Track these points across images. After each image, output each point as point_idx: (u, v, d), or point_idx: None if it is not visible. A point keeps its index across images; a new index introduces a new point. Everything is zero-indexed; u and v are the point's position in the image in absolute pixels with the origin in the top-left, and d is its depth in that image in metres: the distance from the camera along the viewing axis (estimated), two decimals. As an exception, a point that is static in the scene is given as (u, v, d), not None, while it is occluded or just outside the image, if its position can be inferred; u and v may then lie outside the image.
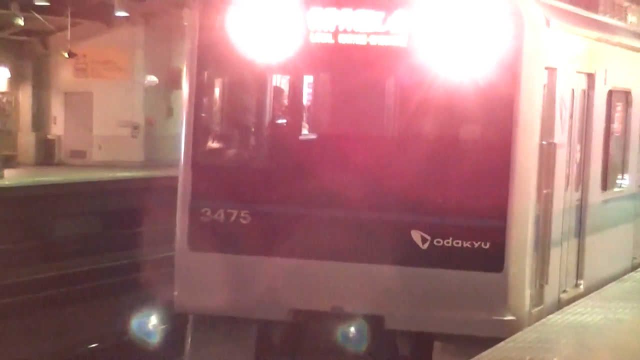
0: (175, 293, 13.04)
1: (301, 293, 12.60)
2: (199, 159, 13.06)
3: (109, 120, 44.58)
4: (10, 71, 44.48)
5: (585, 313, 13.18)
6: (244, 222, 12.78)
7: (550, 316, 12.89)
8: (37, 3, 36.59)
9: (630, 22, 18.16)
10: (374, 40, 12.52)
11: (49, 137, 45.38)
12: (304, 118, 13.68)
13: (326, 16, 12.60)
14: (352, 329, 12.53)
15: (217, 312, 12.85)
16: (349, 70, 12.89)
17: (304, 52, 12.67)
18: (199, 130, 13.12)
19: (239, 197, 12.84)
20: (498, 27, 12.15)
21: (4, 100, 44.85)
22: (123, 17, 41.28)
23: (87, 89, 44.92)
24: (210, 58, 13.04)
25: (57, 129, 45.62)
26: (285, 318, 12.64)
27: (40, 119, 45.49)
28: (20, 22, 39.62)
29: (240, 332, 12.87)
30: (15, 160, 42.01)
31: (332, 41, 12.61)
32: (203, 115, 13.21)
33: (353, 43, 12.56)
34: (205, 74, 13.17)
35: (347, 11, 12.55)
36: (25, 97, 45.45)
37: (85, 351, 18.25)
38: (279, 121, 13.64)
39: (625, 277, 16.17)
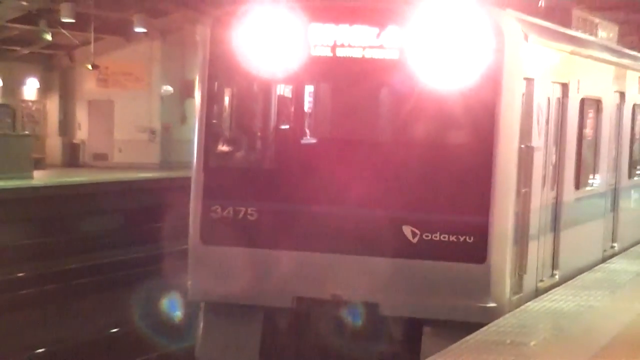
0: (189, 282, 13.04)
1: (304, 282, 12.61)
2: (210, 162, 13.06)
3: (129, 125, 44.63)
4: (39, 82, 44.71)
5: (560, 300, 13.12)
6: (251, 218, 12.79)
7: (529, 303, 12.89)
8: (63, 20, 36.45)
9: (601, 37, 18.16)
10: (368, 54, 12.53)
11: (74, 141, 45.48)
12: (306, 124, 13.69)
13: (325, 31, 12.61)
14: (350, 315, 12.57)
15: (227, 299, 12.85)
16: (346, 81, 12.93)
17: (305, 64, 12.67)
18: (210, 136, 13.11)
19: (247, 196, 12.84)
20: (481, 42, 12.16)
21: (34, 108, 44.95)
22: (141, 32, 41.25)
23: (108, 97, 44.93)
24: (220, 69, 13.04)
25: (81, 134, 45.68)
26: (289, 305, 12.64)
27: (66, 124, 45.53)
28: (48, 37, 39.70)
29: (248, 317, 12.86)
30: (44, 163, 41.93)
31: (331, 54, 12.62)
32: (214, 121, 13.20)
33: (350, 56, 12.57)
34: (216, 84, 13.17)
35: (344, 27, 12.56)
36: (52, 105, 45.53)
37: (108, 334, 18.25)
38: (283, 127, 13.66)
39: (597, 267, 16.14)
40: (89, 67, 41.74)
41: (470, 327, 11.51)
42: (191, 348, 13.44)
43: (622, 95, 17.97)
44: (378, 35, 12.49)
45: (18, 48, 42.29)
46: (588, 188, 16.29)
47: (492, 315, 12.09)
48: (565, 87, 14.64)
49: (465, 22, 12.15)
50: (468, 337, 10.95)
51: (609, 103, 17.09)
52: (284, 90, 13.63)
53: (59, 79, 45.44)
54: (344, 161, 12.73)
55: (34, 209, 31.36)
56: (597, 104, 16.47)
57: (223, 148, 13.47)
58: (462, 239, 12.27)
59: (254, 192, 12.90)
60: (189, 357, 13.45)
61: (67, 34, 40.34)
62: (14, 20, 38.33)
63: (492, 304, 12.24)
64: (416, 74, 12.33)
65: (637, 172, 19.64)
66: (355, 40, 12.54)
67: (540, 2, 16.00)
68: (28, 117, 44.43)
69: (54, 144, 45.04)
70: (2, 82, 41.99)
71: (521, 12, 13.49)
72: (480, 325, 11.57)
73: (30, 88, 44.52)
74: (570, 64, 14.91)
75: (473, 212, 12.32)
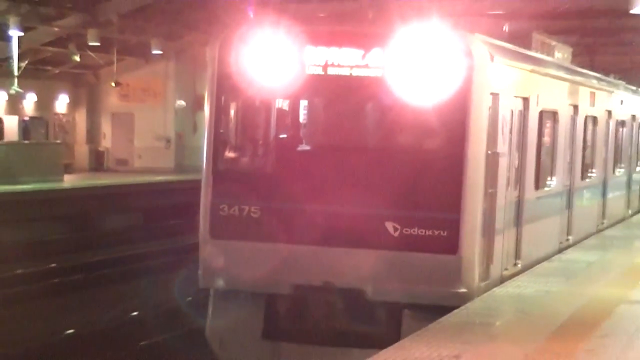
0: (200, 272, 12.99)
1: (300, 271, 12.55)
2: (218, 166, 13.01)
3: (147, 135, 44.46)
4: (69, 97, 44.65)
5: (522, 286, 13.16)
6: (254, 215, 12.72)
7: (495, 289, 12.91)
8: (90, 43, 36.17)
9: (557, 57, 18.14)
10: (355, 72, 12.49)
11: (100, 148, 45.30)
12: (301, 133, 13.68)
13: (318, 53, 12.57)
14: (340, 300, 12.52)
15: (234, 286, 12.81)
16: (336, 96, 12.88)
17: (300, 81, 12.64)
18: (218, 143, 13.06)
19: (250, 196, 12.77)
20: (453, 62, 12.14)
21: (64, 120, 44.79)
22: (158, 54, 41.12)
23: (129, 110, 44.75)
24: (227, 85, 12.96)
25: (106, 142, 45.53)
26: (288, 291, 12.61)
27: (92, 134, 45.46)
28: (77, 58, 39.58)
29: (252, 302, 12.82)
30: (73, 167, 41.81)
31: (323, 72, 12.57)
32: (221, 131, 13.14)
33: (339, 74, 12.53)
34: (223, 97, 13.09)
35: (334, 49, 12.53)
36: (81, 117, 45.43)
37: (128, 319, 18.19)
38: (281, 136, 13.62)
39: (554, 257, 16.14)
40: (113, 84, 41.62)
41: (444, 310, 11.51)
42: (202, 329, 13.35)
43: (576, 107, 17.94)
44: (363, 56, 12.46)
45: (50, 68, 42.29)
46: (546, 188, 16.24)
47: (463, 299, 12.08)
48: (526, 100, 14.59)
49: (440, 44, 12.13)
50: (442, 319, 10.99)
51: (564, 114, 17.05)
52: (283, 103, 13.59)
53: (86, 94, 45.39)
54: (335, 166, 12.70)
55: (63, 208, 31.24)
56: (554, 115, 16.42)
57: (229, 154, 13.38)
58: (437, 233, 12.23)
59: (256, 192, 12.82)
60: (201, 336, 13.36)
61: (93, 55, 40.31)
62: (47, 44, 38.33)
63: (463, 290, 12.20)
64: (397, 90, 12.30)
65: (589, 174, 19.62)
66: (344, 61, 12.51)
67: (504, 27, 15.94)
68: (59, 127, 44.32)
69: (81, 151, 44.87)
70: (37, 98, 41.91)
71: (488, 36, 13.47)
72: (452, 308, 11.58)
73: (62, 102, 44.41)
74: (531, 80, 14.88)
75: (446, 210, 12.28)
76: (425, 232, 12.25)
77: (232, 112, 13.43)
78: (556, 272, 14.47)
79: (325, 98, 13.28)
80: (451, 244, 12.20)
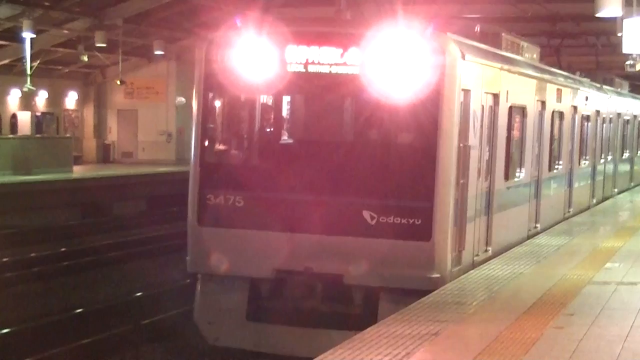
0: (188, 258, 12.63)
1: (282, 257, 12.19)
2: (205, 159, 12.66)
3: (150, 129, 44.34)
4: (78, 94, 44.49)
5: (496, 269, 12.96)
6: (238, 205, 12.37)
7: (469, 272, 12.61)
8: (97, 45, 36.00)
9: (526, 57, 17.73)
10: (334, 70, 12.10)
11: (106, 142, 45.10)
12: (283, 127, 13.30)
13: (299, 52, 12.19)
14: (320, 284, 12.16)
15: (220, 271, 12.44)
16: (316, 92, 12.51)
17: (282, 79, 12.25)
18: (204, 138, 12.71)
19: (235, 187, 12.41)
20: (426, 60, 11.78)
21: (74, 115, 44.66)
22: (160, 55, 40.97)
23: (133, 107, 44.66)
24: (213, 83, 12.59)
25: (112, 136, 45.33)
26: (270, 276, 12.25)
27: (99, 129, 45.30)
28: (85, 59, 39.48)
29: (237, 286, 12.46)
30: (82, 159, 41.80)
31: (304, 70, 12.20)
32: (208, 126, 12.80)
33: (319, 72, 12.15)
34: (209, 95, 12.75)
35: (314, 48, 12.15)
36: (89, 113, 45.27)
37: (136, 297, 17.99)
38: (264, 130, 13.22)
39: (525, 242, 15.86)
40: (118, 82, 41.29)
41: (418, 294, 11.20)
42: (190, 312, 13.01)
43: (543, 103, 17.56)
44: (342, 55, 12.08)
45: (61, 67, 42.24)
46: (515, 179, 15.89)
47: (436, 283, 11.75)
48: (496, 96, 14.22)
49: (413, 43, 11.77)
50: (422, 300, 10.78)
51: (533, 110, 16.68)
52: (265, 100, 13.20)
53: (94, 92, 45.23)
54: (315, 158, 12.35)
55: (74, 197, 31.21)
56: (523, 110, 16.05)
57: (215, 147, 13.05)
58: (411, 221, 11.87)
59: (241, 183, 12.46)
60: (190, 319, 13.00)
61: (100, 56, 40.28)
62: (58, 45, 38.27)
63: (436, 275, 11.86)
64: (373, 86, 11.93)
65: (556, 166, 19.27)
66: (323, 59, 12.13)
67: (476, 28, 15.53)
68: (69, 122, 44.23)
69: (90, 145, 44.73)
70: (48, 95, 41.88)
71: (460, 36, 13.09)
72: (426, 292, 11.24)
73: (71, 99, 44.29)
74: (500, 78, 14.50)
75: (420, 199, 11.92)
76: (400, 220, 11.89)
77: (218, 109, 13.06)
78: (527, 256, 14.24)
79: (305, 94, 12.90)
80: (425, 232, 11.84)
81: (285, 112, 13.30)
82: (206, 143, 12.74)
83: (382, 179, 12.09)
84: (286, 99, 13.15)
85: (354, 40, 12.04)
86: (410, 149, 12.20)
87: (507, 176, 15.18)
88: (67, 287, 19.50)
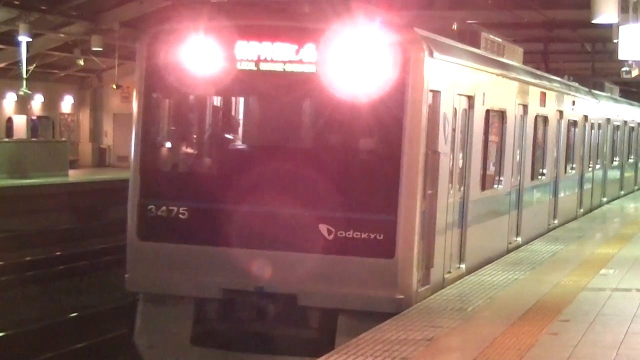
0: (127, 275, 10.93)
1: (230, 275, 10.48)
2: (146, 166, 10.96)
3: (145, 134, 43.33)
4: (74, 98, 43.70)
5: (493, 275, 12.48)
6: (182, 217, 10.67)
7: (467, 277, 12.00)
8: (93, 49, 34.95)
9: (507, 57, 15.86)
10: (289, 68, 10.42)
11: (102, 146, 44.34)
12: (232, 132, 11.58)
13: (250, 48, 10.49)
14: (271, 305, 10.46)
15: (162, 290, 10.75)
16: (269, 92, 10.79)
17: (232, 77, 10.58)
18: (145, 142, 11.00)
19: (178, 197, 10.72)
20: (388, 57, 10.10)
21: (70, 119, 43.91)
22: (155, 59, 39.63)
23: (129, 111, 42.13)
24: (156, 82, 10.91)
25: (107, 140, 44.55)
26: (217, 295, 10.55)
27: (95, 133, 44.52)
28: (81, 62, 38.42)
29: (181, 306, 10.75)
30: (77, 163, 40.89)
31: (255, 68, 10.51)
32: (149, 129, 11.10)
33: (272, 70, 10.46)
34: (152, 95, 11.04)
35: (267, 44, 10.45)
36: (85, 117, 44.48)
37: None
38: (212, 134, 11.50)
39: (522, 247, 15.05)
40: (114, 86, 40.22)
41: (382, 316, 9.62)
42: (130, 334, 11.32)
43: (525, 107, 15.75)
44: (297, 51, 10.40)
45: (57, 71, 41.58)
46: (493, 189, 14.11)
47: (400, 305, 10.08)
48: (471, 99, 12.46)
49: (373, 39, 10.10)
50: (419, 304, 10.25)
51: (513, 114, 14.88)
52: (213, 100, 11.46)
53: (90, 96, 44.48)
54: (267, 165, 10.59)
55: (70, 200, 30.33)
56: (502, 114, 14.26)
57: (157, 153, 11.34)
58: (372, 236, 10.17)
59: (184, 193, 10.78)
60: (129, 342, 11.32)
61: (96, 60, 39.09)
62: (54, 49, 37.50)
63: (400, 296, 10.15)
64: (331, 86, 10.26)
65: (539, 174, 17.46)
66: (276, 56, 10.43)
67: (453, 25, 13.78)
68: (65, 126, 43.49)
69: (85, 149, 43.97)
70: (44, 99, 41.01)
71: (434, 33, 11.35)
72: (390, 315, 9.67)
73: (67, 103, 43.53)
74: (476, 79, 12.74)
75: (382, 212, 10.21)
76: (360, 235, 10.20)
77: (160, 110, 11.34)
78: (522, 262, 13.77)
79: (257, 95, 11.19)
80: (387, 248, 10.15)
81: (235, 114, 11.64)
82: (147, 148, 11.05)
83: (340, 189, 10.37)
84: (236, 100, 11.49)
85: (310, 36, 10.37)
86: (372, 156, 10.52)
87: (484, 186, 13.43)
88: (62, 290, 18.92)
